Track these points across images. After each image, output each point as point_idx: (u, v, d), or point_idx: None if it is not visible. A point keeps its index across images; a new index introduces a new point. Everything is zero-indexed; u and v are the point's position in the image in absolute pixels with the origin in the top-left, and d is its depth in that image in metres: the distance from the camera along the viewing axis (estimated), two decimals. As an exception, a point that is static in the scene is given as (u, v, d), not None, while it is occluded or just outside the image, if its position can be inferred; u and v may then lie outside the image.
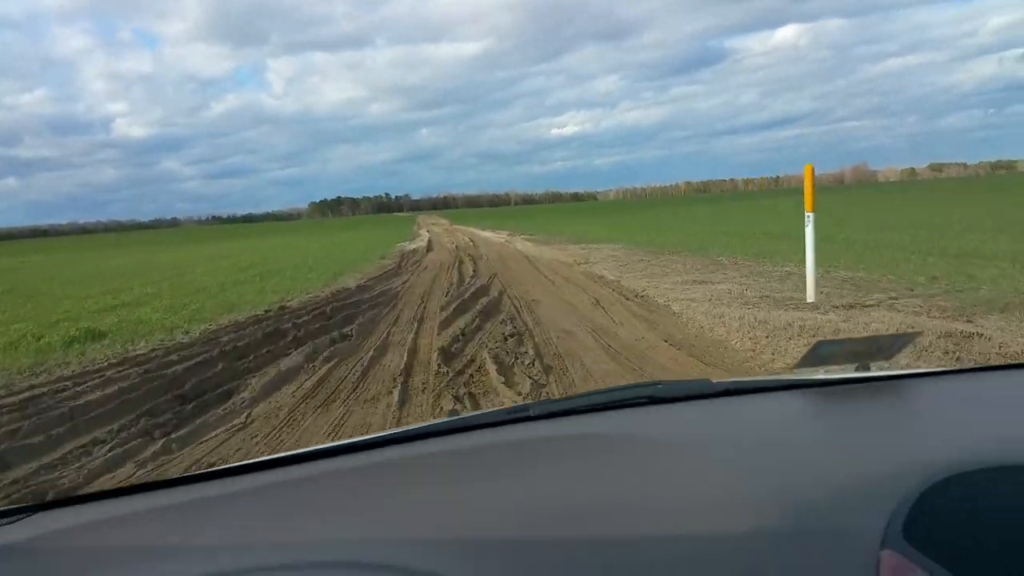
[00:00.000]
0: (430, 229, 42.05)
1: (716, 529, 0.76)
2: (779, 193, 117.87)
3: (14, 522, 0.90)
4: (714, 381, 1.34)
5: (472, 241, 24.59)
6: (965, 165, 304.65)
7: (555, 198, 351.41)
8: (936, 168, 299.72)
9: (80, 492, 1.18)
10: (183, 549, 0.80)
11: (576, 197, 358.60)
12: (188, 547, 0.81)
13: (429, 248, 21.30)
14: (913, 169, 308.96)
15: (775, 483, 0.87)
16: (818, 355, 1.30)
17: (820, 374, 1.34)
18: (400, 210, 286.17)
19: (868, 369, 1.33)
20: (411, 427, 1.21)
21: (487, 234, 30.32)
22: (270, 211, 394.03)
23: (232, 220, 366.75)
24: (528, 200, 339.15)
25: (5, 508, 0.93)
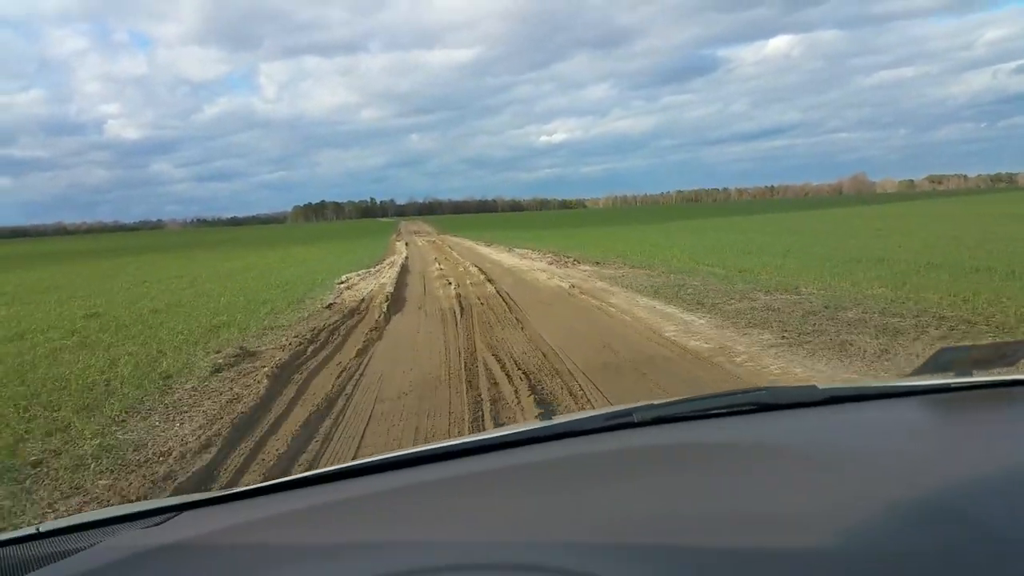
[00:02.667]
0: (410, 243, 35.64)
1: (857, 541, 0.72)
2: (776, 205, 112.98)
3: (161, 523, 0.92)
4: (821, 387, 1.28)
5: (485, 276, 14.36)
6: (965, 177, 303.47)
7: (543, 205, 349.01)
8: (935, 180, 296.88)
9: (219, 493, 1.00)
10: (338, 549, 0.80)
11: (564, 204, 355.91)
12: (343, 546, 0.81)
13: (395, 299, 10.91)
14: (912, 181, 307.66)
15: (907, 494, 0.83)
16: (939, 361, 1.28)
17: (936, 379, 1.29)
18: (385, 215, 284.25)
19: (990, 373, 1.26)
20: (518, 429, 1.20)
21: (502, 257, 20.33)
22: (256, 214, 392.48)
23: (217, 223, 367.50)
24: (516, 207, 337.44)
25: (150, 507, 0.96)
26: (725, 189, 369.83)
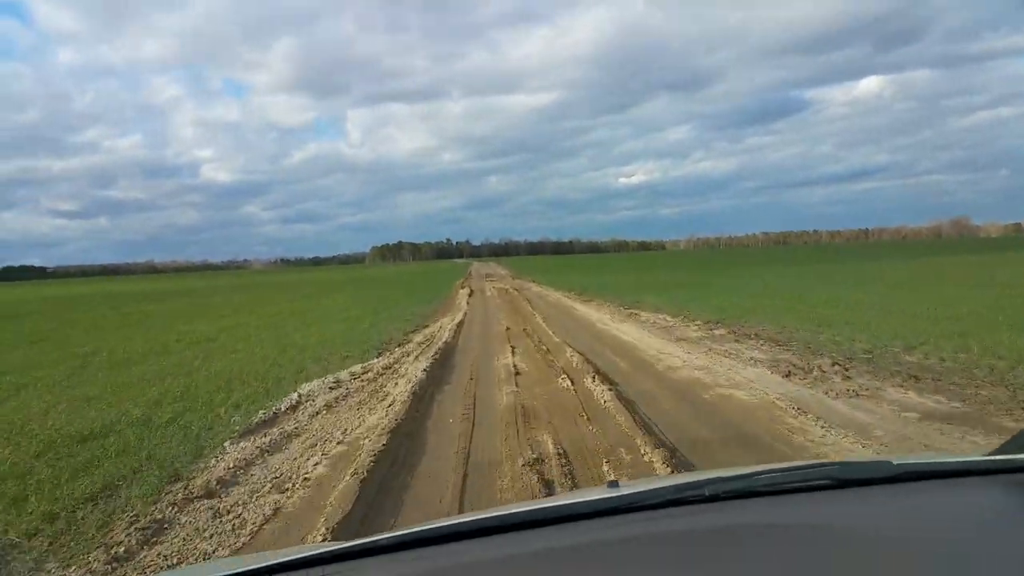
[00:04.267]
0: (476, 292, 27.34)
1: None
2: (875, 248, 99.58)
3: None
4: (896, 463, 1.26)
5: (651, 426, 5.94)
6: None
7: (621, 246, 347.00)
8: None
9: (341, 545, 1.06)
10: None
11: (643, 246, 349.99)
12: None
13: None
14: (1020, 224, 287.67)
15: None
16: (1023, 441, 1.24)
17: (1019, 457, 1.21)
18: (460, 255, 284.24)
19: None
20: (583, 499, 1.17)
21: (627, 333, 11.29)
22: (336, 254, 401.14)
23: (300, 263, 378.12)
24: (593, 248, 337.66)
25: (289, 559, 1.03)
26: (816, 231, 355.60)
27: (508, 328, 12.57)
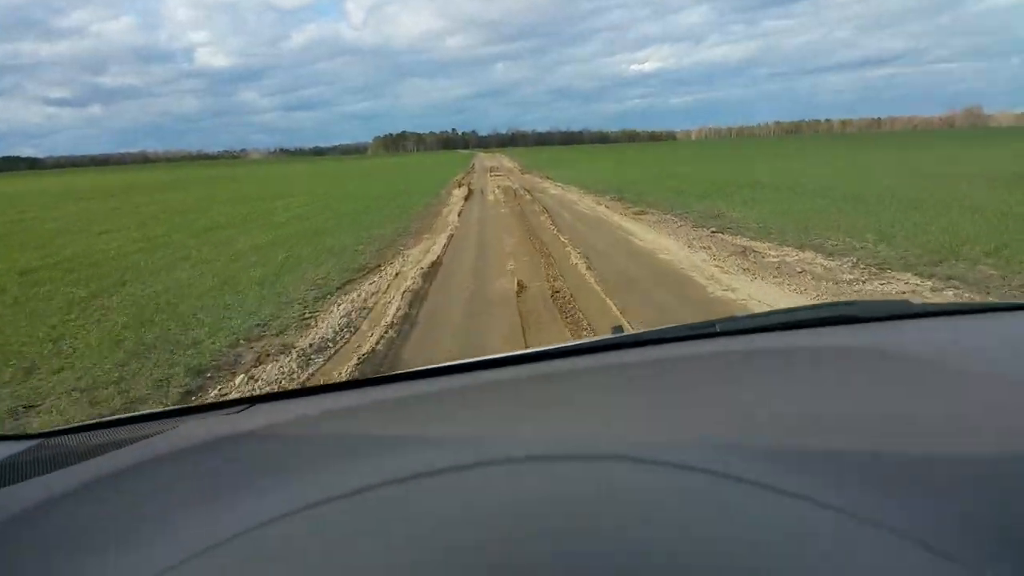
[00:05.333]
0: (474, 191, 20.96)
1: (987, 446, 0.68)
2: (880, 137, 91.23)
3: (238, 412, 0.93)
4: (916, 302, 1.22)
5: None
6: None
7: (632, 137, 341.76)
8: None
9: (289, 388, 0.94)
10: (410, 440, 0.78)
11: (653, 136, 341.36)
12: (412, 439, 0.79)
13: None
14: None
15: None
16: None
17: None
18: (466, 146, 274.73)
19: None
20: (592, 340, 1.11)
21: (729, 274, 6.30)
22: (338, 144, 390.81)
23: (301, 153, 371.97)
24: (602, 138, 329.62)
25: (227, 399, 1.01)
26: (827, 120, 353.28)
27: (522, 286, 6.44)
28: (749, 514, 0.57)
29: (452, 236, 10.35)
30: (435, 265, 7.84)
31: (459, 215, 13.52)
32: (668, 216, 11.53)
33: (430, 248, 9.23)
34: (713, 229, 9.65)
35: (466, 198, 17.68)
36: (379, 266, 8.10)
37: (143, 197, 26.25)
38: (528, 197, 17.51)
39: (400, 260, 8.42)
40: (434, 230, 11.39)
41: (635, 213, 12.30)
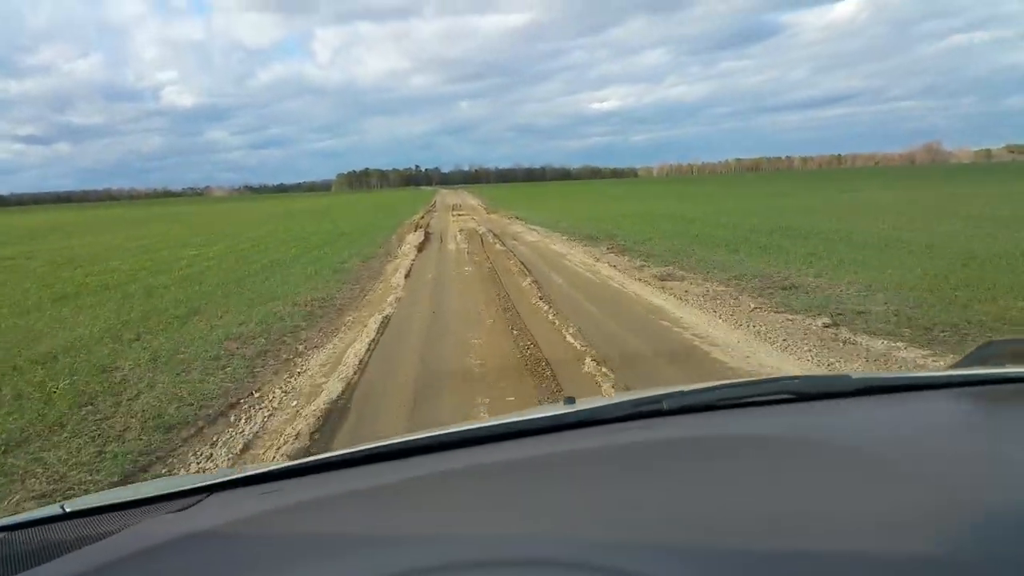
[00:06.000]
0: (432, 237, 17.25)
1: (903, 542, 0.67)
2: (848, 175, 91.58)
3: (190, 507, 0.90)
4: (855, 377, 1.19)
5: None
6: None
7: (594, 173, 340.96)
8: (1013, 150, 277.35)
9: (247, 473, 0.99)
10: (360, 541, 0.76)
11: (615, 173, 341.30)
12: (364, 538, 0.77)
13: None
14: (989, 151, 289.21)
15: (954, 495, 0.77)
16: (984, 354, 1.22)
17: (975, 371, 1.20)
18: (429, 183, 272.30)
19: None
20: (540, 415, 1.11)
21: None
22: (303, 181, 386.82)
23: (265, 189, 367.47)
24: (565, 175, 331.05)
25: (178, 488, 0.94)
26: (788, 157, 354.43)
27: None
28: None
29: (387, 321, 6.59)
30: (327, 416, 4.05)
31: (406, 276, 9.77)
32: (708, 284, 7.92)
33: (343, 356, 5.44)
34: (813, 315, 6.03)
35: (420, 248, 13.94)
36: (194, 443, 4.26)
37: (56, 243, 21.89)
38: (499, 246, 13.74)
39: (259, 412, 4.60)
40: (366, 304, 7.63)
41: (656, 277, 8.62)
